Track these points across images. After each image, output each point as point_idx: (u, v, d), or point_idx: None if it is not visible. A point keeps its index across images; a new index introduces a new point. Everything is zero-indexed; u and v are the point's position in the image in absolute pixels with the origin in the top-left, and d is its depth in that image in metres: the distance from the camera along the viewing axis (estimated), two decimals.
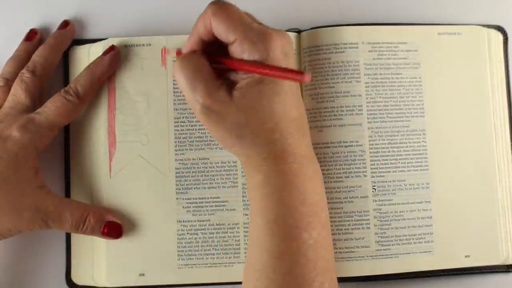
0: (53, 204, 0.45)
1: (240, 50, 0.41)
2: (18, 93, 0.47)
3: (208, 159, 0.49)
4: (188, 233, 0.48)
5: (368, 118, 0.49)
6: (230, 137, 0.42)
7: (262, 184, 0.42)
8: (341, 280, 0.48)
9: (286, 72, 0.39)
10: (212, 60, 0.43)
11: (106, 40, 0.50)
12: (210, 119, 0.41)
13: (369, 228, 0.49)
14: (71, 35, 0.51)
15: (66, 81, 0.51)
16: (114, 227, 0.48)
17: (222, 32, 0.41)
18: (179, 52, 0.45)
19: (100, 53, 0.49)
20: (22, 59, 0.50)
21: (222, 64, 0.42)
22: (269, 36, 0.40)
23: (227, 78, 0.42)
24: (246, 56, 0.40)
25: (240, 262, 0.48)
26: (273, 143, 0.41)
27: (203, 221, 0.48)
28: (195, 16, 0.52)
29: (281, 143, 0.41)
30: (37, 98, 0.48)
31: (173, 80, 0.49)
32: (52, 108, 0.47)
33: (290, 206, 0.41)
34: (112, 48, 0.49)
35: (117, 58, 0.49)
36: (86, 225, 0.46)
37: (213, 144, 0.49)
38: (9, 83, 0.49)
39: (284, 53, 0.41)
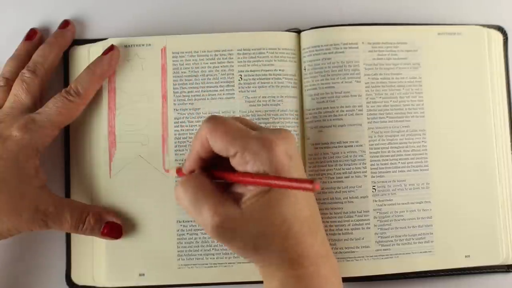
0: (53, 204, 0.45)
1: (242, 162, 0.40)
2: (19, 93, 0.47)
3: None
4: (188, 233, 0.48)
5: (368, 118, 0.49)
6: (246, 250, 0.41)
7: None
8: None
9: (294, 182, 0.37)
10: (215, 177, 0.42)
11: (106, 40, 0.50)
12: (224, 237, 0.40)
13: (369, 228, 0.49)
14: (71, 35, 0.51)
15: (66, 80, 0.51)
16: (114, 227, 0.48)
17: (221, 148, 0.40)
18: (179, 171, 0.45)
19: (100, 53, 0.49)
20: (22, 58, 0.50)
21: (226, 180, 0.42)
22: (269, 143, 0.40)
23: (232, 191, 0.42)
24: (249, 167, 0.40)
25: (240, 262, 0.48)
26: (288, 249, 0.41)
27: None
28: (195, 16, 0.52)
29: (296, 248, 0.41)
30: (38, 98, 0.49)
31: (173, 80, 0.49)
32: (53, 108, 0.47)
33: None
34: (111, 48, 0.49)
35: (116, 57, 0.49)
36: (85, 226, 0.46)
37: None
38: (9, 82, 0.49)
39: (288, 156, 0.40)
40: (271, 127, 0.49)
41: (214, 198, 0.40)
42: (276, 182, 0.38)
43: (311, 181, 0.36)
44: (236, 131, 0.41)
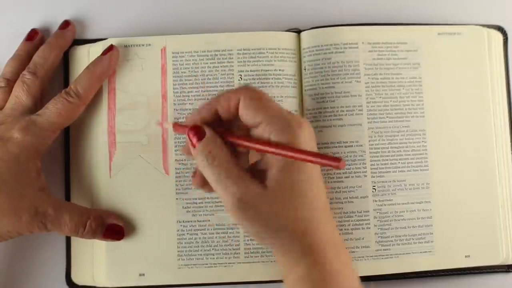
0: (52, 207, 0.45)
1: (268, 131, 0.40)
2: (19, 95, 0.47)
3: None
4: (188, 233, 0.48)
5: (368, 118, 0.49)
6: (266, 231, 0.40)
7: (303, 279, 0.40)
8: None
9: (322, 157, 0.37)
10: (231, 142, 0.41)
11: (106, 40, 0.50)
12: (246, 215, 0.40)
13: (369, 228, 0.49)
14: (71, 35, 0.51)
15: (66, 81, 0.51)
16: (116, 229, 0.48)
17: (251, 113, 0.40)
18: (176, 126, 0.43)
19: (100, 53, 0.49)
20: (23, 59, 0.50)
21: (248, 147, 0.41)
22: (296, 122, 0.40)
23: (255, 166, 0.42)
24: (273, 137, 0.40)
25: (240, 262, 0.48)
26: (311, 233, 0.40)
27: (203, 221, 0.48)
28: (195, 16, 0.52)
29: (318, 232, 0.40)
30: (39, 99, 0.49)
31: (173, 80, 0.49)
32: (53, 110, 0.47)
33: None
34: (111, 48, 0.49)
35: (116, 57, 0.49)
36: (87, 230, 0.46)
37: None
38: (10, 83, 0.49)
39: (311, 138, 0.41)
40: None
41: (239, 174, 0.40)
42: (303, 155, 0.38)
43: (338, 159, 0.36)
44: (270, 102, 0.41)
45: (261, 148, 0.40)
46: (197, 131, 0.42)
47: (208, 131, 0.41)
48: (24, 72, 0.48)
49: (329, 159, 0.37)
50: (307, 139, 0.40)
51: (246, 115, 0.41)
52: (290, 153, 0.38)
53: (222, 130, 0.42)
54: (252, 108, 0.40)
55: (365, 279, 0.48)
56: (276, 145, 0.39)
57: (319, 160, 0.37)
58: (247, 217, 0.40)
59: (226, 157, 0.41)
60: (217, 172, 0.40)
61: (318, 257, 0.40)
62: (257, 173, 0.41)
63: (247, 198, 0.39)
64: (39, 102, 0.48)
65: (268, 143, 0.40)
